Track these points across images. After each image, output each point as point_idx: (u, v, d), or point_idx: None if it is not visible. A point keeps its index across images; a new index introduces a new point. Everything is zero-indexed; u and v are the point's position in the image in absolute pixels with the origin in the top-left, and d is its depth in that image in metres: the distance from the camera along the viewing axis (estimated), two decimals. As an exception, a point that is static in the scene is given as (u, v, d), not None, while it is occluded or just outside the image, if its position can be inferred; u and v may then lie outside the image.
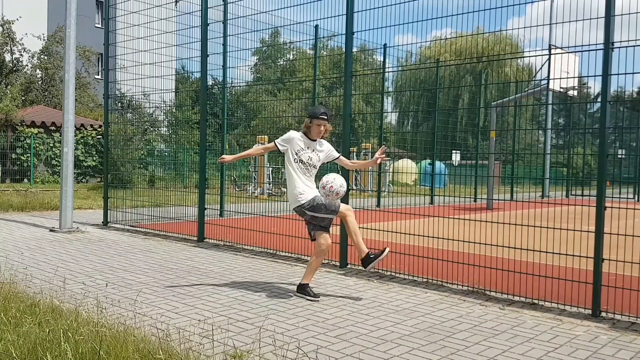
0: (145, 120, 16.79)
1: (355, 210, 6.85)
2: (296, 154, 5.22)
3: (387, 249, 5.18)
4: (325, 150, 5.40)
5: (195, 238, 8.67)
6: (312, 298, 5.15)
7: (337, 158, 5.50)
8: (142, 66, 9.99)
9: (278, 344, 3.86)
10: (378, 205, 14.79)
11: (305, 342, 3.97)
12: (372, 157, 20.15)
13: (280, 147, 5.27)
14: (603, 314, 4.84)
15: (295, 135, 5.29)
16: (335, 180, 5.09)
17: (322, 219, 5.17)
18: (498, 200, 13.31)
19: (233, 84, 11.77)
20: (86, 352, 3.26)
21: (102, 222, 10.33)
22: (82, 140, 22.57)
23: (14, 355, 3.22)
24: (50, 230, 9.37)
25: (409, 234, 6.30)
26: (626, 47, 4.84)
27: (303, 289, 5.24)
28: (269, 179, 16.73)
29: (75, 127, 10.31)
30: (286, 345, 3.85)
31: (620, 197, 11.52)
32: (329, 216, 5.15)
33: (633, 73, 4.90)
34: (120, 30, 10.21)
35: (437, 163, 20.84)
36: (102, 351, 3.23)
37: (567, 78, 11.51)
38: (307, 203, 5.13)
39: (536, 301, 5.22)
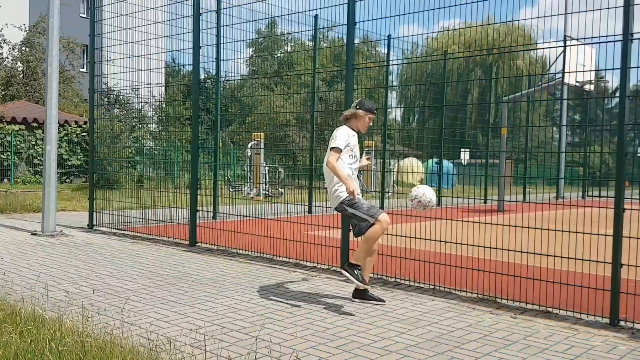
0: (133, 116, 16.80)
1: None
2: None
3: (366, 288, 5.38)
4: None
5: (187, 242, 8.68)
6: (377, 302, 5.32)
7: None
8: (130, 59, 9.99)
9: (275, 355, 3.87)
10: (382, 206, 14.80)
11: (304, 352, 3.97)
12: (374, 155, 20.19)
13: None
14: (622, 323, 4.84)
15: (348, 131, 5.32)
16: (426, 194, 5.16)
17: (362, 219, 5.13)
18: (510, 201, 13.30)
19: (227, 78, 11.76)
20: (70, 363, 3.26)
21: (88, 225, 10.33)
22: (66, 138, 22.57)
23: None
24: (32, 234, 9.37)
25: (415, 238, 6.30)
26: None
27: (363, 295, 5.40)
28: (265, 179, 16.73)
29: (58, 123, 10.31)
30: (284, 357, 3.85)
31: (640, 199, 11.48)
32: (366, 218, 5.10)
33: (654, 66, 4.90)
34: (107, 20, 10.21)
35: (445, 162, 20.85)
36: (87, 363, 3.23)
37: (584, 71, 11.51)
38: (347, 198, 5.12)
39: (550, 309, 5.23)
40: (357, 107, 5.31)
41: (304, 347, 4.08)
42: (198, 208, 8.69)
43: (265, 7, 9.01)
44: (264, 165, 16.73)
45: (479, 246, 5.80)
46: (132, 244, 8.68)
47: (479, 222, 6.01)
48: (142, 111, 16.33)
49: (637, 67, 4.92)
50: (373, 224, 5.07)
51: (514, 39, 30.66)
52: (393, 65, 17.47)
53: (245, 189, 16.52)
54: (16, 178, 21.10)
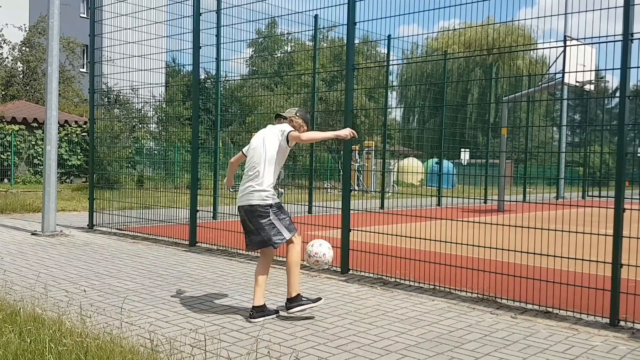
0: (133, 116, 16.80)
1: (357, 212, 6.87)
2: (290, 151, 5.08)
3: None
4: None
5: (187, 242, 8.67)
6: (313, 304, 4.83)
7: None
8: (130, 59, 9.99)
9: (275, 355, 3.86)
10: (382, 207, 14.80)
11: (304, 352, 3.97)
12: (374, 155, 20.15)
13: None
14: (622, 323, 4.84)
15: None
16: (322, 249, 5.02)
17: (284, 219, 4.88)
18: (510, 201, 13.31)
19: (227, 78, 11.76)
20: (70, 363, 3.26)
21: (88, 225, 10.33)
22: (66, 138, 22.57)
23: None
24: (32, 234, 9.36)
25: (415, 238, 6.29)
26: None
27: (298, 301, 4.83)
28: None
29: (58, 123, 10.31)
30: (284, 357, 3.85)
31: (640, 199, 11.47)
32: (283, 233, 4.83)
33: (654, 66, 4.90)
34: (107, 20, 10.22)
35: (445, 162, 20.84)
36: (87, 363, 3.22)
37: (584, 71, 11.51)
38: (275, 203, 4.85)
39: (550, 309, 5.22)
40: (297, 114, 5.08)
41: (304, 347, 4.08)
42: (198, 208, 8.69)
43: (265, 7, 9.03)
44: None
45: (479, 246, 5.80)
46: (132, 244, 8.68)
47: (479, 222, 6.01)
48: (142, 111, 16.32)
49: (637, 67, 4.92)
50: (287, 241, 4.85)
51: (514, 39, 30.66)
52: (393, 65, 17.48)
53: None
54: (16, 178, 21.10)
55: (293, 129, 4.92)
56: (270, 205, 4.80)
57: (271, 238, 4.77)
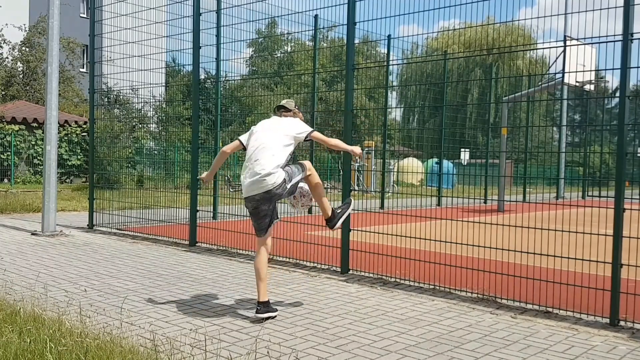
0: (133, 116, 16.80)
1: (357, 212, 6.87)
2: None
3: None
4: None
5: (187, 242, 8.67)
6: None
7: None
8: (130, 59, 9.99)
9: (274, 355, 3.86)
10: (382, 206, 14.79)
11: (304, 352, 3.97)
12: (374, 155, 20.17)
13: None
14: (622, 323, 4.84)
15: None
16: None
17: (300, 180, 5.01)
18: (510, 201, 13.30)
19: (227, 78, 11.76)
20: (70, 363, 3.26)
21: (87, 225, 10.33)
22: (65, 138, 22.57)
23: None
24: (32, 234, 9.36)
25: (415, 238, 6.29)
26: (647, 38, 4.84)
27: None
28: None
29: (58, 123, 10.31)
30: (283, 357, 3.85)
31: (640, 199, 11.47)
32: (302, 176, 5.00)
33: (654, 66, 4.90)
34: (107, 20, 10.22)
35: (445, 162, 20.84)
36: (87, 363, 3.22)
37: (584, 71, 11.51)
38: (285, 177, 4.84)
39: (550, 309, 5.22)
40: (296, 107, 5.21)
41: (304, 347, 4.08)
42: (198, 208, 8.69)
43: (265, 7, 9.02)
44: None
45: (479, 246, 5.80)
46: (132, 244, 8.68)
47: (479, 222, 6.01)
48: (142, 111, 16.33)
49: (637, 67, 4.92)
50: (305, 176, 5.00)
51: (514, 39, 30.67)
52: (393, 65, 17.48)
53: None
54: (16, 178, 21.10)
55: (313, 129, 5.00)
56: (284, 180, 4.76)
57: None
